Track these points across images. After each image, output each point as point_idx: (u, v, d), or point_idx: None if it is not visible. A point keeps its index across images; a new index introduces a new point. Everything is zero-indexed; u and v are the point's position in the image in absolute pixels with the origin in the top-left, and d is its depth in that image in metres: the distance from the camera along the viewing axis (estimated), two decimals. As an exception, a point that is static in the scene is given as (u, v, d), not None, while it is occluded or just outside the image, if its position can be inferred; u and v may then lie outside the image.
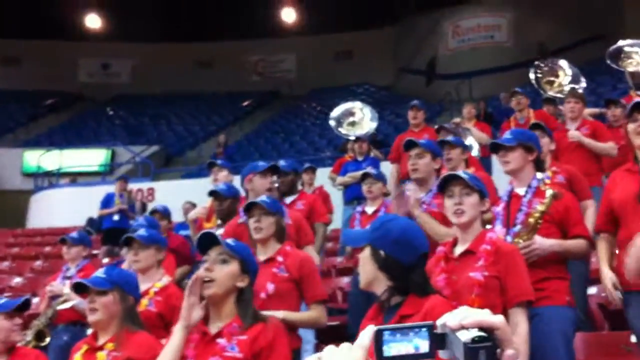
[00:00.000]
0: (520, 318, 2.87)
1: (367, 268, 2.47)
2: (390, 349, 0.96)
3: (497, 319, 0.94)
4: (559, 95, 7.92)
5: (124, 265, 5.23)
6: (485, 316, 0.94)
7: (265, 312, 2.80)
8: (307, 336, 4.22)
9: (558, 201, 3.53)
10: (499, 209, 3.61)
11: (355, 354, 0.96)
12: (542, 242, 3.39)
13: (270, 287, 3.50)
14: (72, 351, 3.08)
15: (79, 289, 3.02)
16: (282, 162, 4.88)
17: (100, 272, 3.08)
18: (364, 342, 0.97)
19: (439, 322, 0.96)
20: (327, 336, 4.57)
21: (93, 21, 26.40)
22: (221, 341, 2.55)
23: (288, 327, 3.16)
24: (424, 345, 0.96)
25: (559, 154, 5.60)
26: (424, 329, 0.96)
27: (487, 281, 2.87)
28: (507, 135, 3.77)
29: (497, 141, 3.73)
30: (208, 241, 2.68)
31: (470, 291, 2.86)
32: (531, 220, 3.43)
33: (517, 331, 2.85)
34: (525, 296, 2.91)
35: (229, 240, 2.74)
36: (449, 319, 0.94)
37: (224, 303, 2.62)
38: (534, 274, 3.36)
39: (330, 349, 0.98)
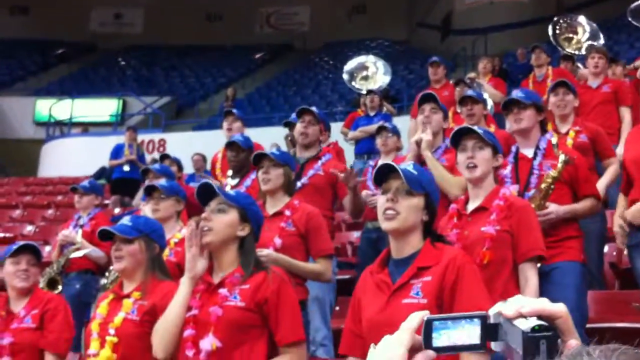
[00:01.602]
0: (530, 273, 2.87)
1: (414, 216, 2.37)
2: (440, 338, 0.92)
3: (559, 307, 0.89)
4: (577, 52, 7.77)
5: (140, 214, 5.26)
6: (546, 304, 0.89)
7: (260, 251, 2.80)
8: (324, 294, 4.23)
9: (576, 165, 3.53)
10: (507, 171, 3.59)
11: (402, 336, 0.94)
12: (557, 210, 3.41)
13: (278, 241, 3.50)
14: (99, 300, 3.10)
15: (104, 236, 3.02)
16: (238, 137, 4.81)
17: (126, 220, 3.08)
18: (412, 324, 0.94)
19: (491, 312, 0.92)
20: (339, 289, 4.59)
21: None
22: (223, 291, 2.55)
23: (293, 278, 3.17)
24: (475, 336, 0.91)
25: (581, 112, 5.52)
26: (476, 319, 0.92)
27: (499, 235, 2.86)
28: (519, 93, 3.75)
29: (514, 97, 3.69)
30: (207, 193, 2.67)
31: (481, 245, 2.86)
32: (543, 185, 3.41)
33: (527, 284, 2.85)
34: (537, 251, 2.90)
35: (229, 190, 2.73)
36: (504, 308, 0.90)
37: (226, 252, 2.62)
38: (552, 232, 3.41)
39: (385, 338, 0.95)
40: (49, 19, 25.33)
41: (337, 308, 4.71)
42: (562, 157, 3.45)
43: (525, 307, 0.88)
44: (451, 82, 7.98)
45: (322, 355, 4.18)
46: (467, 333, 0.91)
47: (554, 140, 3.62)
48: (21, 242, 3.62)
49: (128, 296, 2.94)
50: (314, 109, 4.58)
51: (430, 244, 2.37)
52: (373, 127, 7.49)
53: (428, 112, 4.06)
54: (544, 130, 3.69)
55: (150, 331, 2.69)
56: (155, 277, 2.97)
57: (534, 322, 0.86)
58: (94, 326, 2.92)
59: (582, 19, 8.06)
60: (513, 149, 3.68)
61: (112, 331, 2.85)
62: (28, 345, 3.37)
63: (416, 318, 0.95)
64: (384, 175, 2.42)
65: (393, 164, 2.41)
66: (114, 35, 26.49)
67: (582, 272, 3.45)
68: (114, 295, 2.99)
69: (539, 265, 3.00)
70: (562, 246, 3.42)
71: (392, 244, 2.40)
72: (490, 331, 0.91)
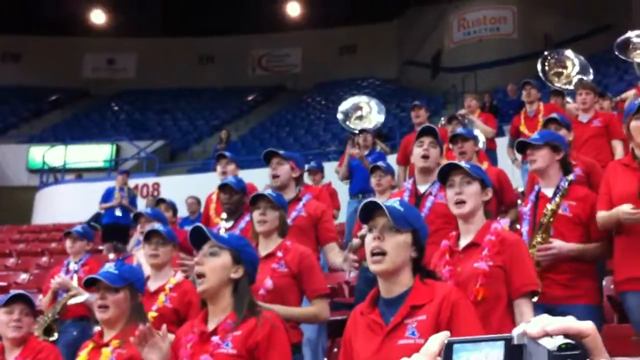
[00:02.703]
0: (525, 308, 2.82)
1: (402, 254, 2.32)
2: None
3: (587, 325, 0.85)
4: (567, 86, 7.82)
5: (134, 261, 5.22)
6: (573, 322, 0.85)
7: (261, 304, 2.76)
8: (311, 334, 4.17)
9: (584, 202, 3.54)
10: (526, 209, 3.61)
11: None
12: (562, 246, 3.41)
13: (269, 282, 3.45)
14: (79, 349, 3.05)
15: (88, 284, 2.98)
16: (231, 179, 4.82)
17: (111, 268, 3.03)
18: (433, 348, 0.91)
19: (515, 332, 0.87)
20: (334, 330, 4.53)
21: (97, 16, 26.39)
22: (215, 338, 2.51)
23: (287, 322, 3.13)
24: (498, 358, 0.87)
25: (573, 147, 5.54)
26: (499, 342, 0.87)
27: (492, 271, 2.82)
28: (535, 135, 3.79)
29: (525, 140, 3.73)
30: (199, 236, 2.65)
31: (475, 281, 2.82)
32: (544, 220, 3.41)
33: (523, 320, 2.81)
34: (531, 286, 2.85)
35: (221, 233, 2.71)
36: (529, 327, 0.86)
37: (220, 297, 2.58)
38: (565, 267, 3.42)
39: None
40: (42, 66, 25.51)
41: (335, 350, 4.65)
42: (556, 199, 3.47)
43: (550, 325, 0.84)
44: (442, 121, 8.02)
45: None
46: (490, 356, 0.87)
47: (570, 177, 3.63)
48: (14, 292, 3.59)
49: (107, 345, 2.90)
50: (278, 150, 4.54)
51: (420, 280, 2.34)
52: (353, 152, 7.52)
53: (427, 145, 4.03)
54: (566, 170, 3.69)
55: None
56: (136, 324, 2.93)
57: (560, 340, 0.83)
58: None
59: (569, 52, 8.12)
60: (535, 187, 3.70)
61: None
62: None
63: (437, 341, 0.91)
64: (370, 212, 2.37)
65: (377, 200, 2.36)
66: (106, 81, 26.67)
67: (599, 318, 3.46)
68: (94, 344, 2.95)
69: (535, 299, 2.97)
70: (577, 287, 3.43)
71: (380, 284, 2.36)
72: (515, 353, 0.87)
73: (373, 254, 2.31)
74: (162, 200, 6.89)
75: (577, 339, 0.83)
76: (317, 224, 4.32)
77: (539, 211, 3.56)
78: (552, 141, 3.68)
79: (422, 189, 4.01)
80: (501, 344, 0.87)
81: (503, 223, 2.99)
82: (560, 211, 3.51)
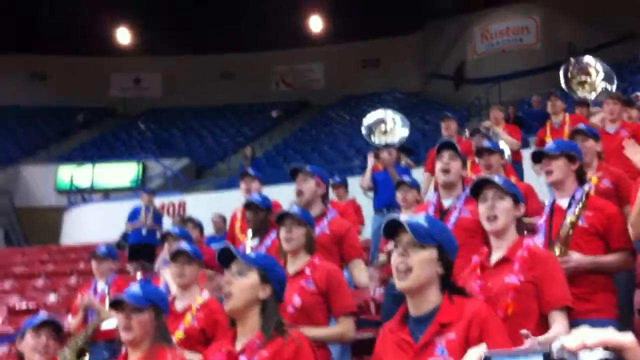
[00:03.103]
0: (559, 317, 2.78)
1: (428, 271, 2.28)
2: None
3: (627, 338, 0.84)
4: (592, 94, 7.68)
5: (161, 280, 5.23)
6: (612, 335, 0.84)
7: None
8: (335, 353, 4.14)
9: (601, 212, 3.47)
10: (542, 221, 3.55)
11: None
12: (579, 259, 3.36)
13: (297, 300, 3.45)
14: None
15: (113, 304, 2.99)
16: (256, 197, 4.81)
17: (136, 288, 3.01)
18: None
19: (554, 347, 0.87)
20: (360, 349, 4.50)
21: (124, 36, 26.72)
22: (242, 358, 2.51)
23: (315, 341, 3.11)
24: None
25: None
26: (537, 355, 0.87)
27: (523, 286, 2.79)
28: (550, 144, 3.72)
29: (541, 150, 3.66)
30: (227, 256, 2.66)
31: (505, 296, 2.79)
32: (562, 231, 3.36)
33: (552, 327, 2.75)
34: (563, 301, 2.81)
35: (247, 251, 2.72)
36: (567, 340, 0.85)
37: (248, 317, 2.59)
38: (580, 283, 3.35)
39: None
40: (68, 86, 25.86)
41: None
42: (577, 208, 3.42)
43: (590, 338, 0.83)
44: (465, 134, 7.98)
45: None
46: None
47: (586, 187, 3.56)
48: (44, 315, 3.59)
49: None
50: (304, 166, 4.52)
51: (448, 297, 2.31)
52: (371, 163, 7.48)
53: (447, 159, 3.99)
54: (581, 180, 3.63)
55: None
56: (160, 345, 2.93)
57: (599, 354, 0.82)
58: None
59: (590, 59, 7.93)
60: (550, 199, 3.64)
61: None
62: None
63: (474, 355, 0.92)
64: (394, 229, 2.35)
65: (398, 217, 2.34)
66: (133, 100, 26.96)
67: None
68: None
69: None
70: (594, 301, 3.36)
71: (409, 301, 2.33)
72: None
73: (398, 271, 2.29)
74: (189, 219, 6.92)
75: (616, 351, 0.82)
76: (341, 241, 4.29)
77: (555, 223, 3.49)
78: (569, 151, 3.62)
79: (446, 203, 3.98)
80: (539, 357, 0.87)
81: (537, 240, 2.96)
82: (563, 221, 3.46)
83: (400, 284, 2.28)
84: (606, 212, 3.52)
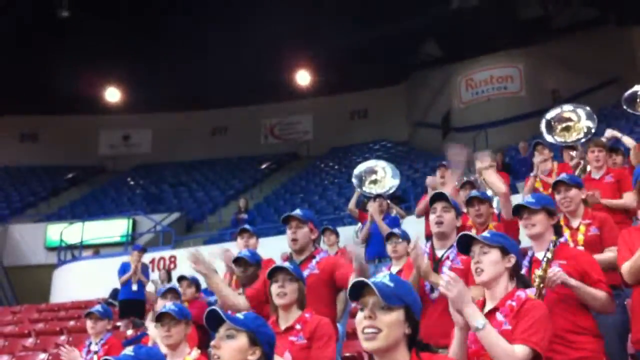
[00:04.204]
0: (517, 349, 2.74)
1: (396, 332, 2.26)
2: None
3: None
4: (579, 138, 7.70)
5: (149, 340, 5.19)
6: None
7: None
8: None
9: (575, 261, 3.54)
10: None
11: None
12: (567, 278, 3.43)
13: (288, 357, 3.44)
14: None
15: None
16: (245, 253, 4.82)
17: (129, 351, 2.97)
18: None
19: None
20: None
21: (112, 94, 26.93)
22: None
23: None
24: None
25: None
26: None
27: (504, 335, 2.78)
28: (529, 199, 3.79)
29: (523, 203, 3.73)
30: (215, 318, 2.64)
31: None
32: (534, 286, 3.40)
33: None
34: (526, 340, 2.77)
35: (237, 314, 2.69)
36: None
37: None
38: (566, 324, 3.39)
39: None
40: (58, 145, 25.94)
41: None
42: (546, 256, 3.51)
43: None
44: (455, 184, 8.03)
45: None
46: None
47: (561, 239, 3.64)
48: None
49: None
50: (297, 212, 4.51)
51: (416, 355, 2.29)
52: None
53: (440, 211, 4.05)
54: (558, 233, 3.71)
55: None
56: None
57: None
58: None
59: (563, 107, 7.93)
60: (529, 253, 3.70)
61: None
62: None
63: None
64: (360, 290, 2.31)
65: (364, 280, 2.30)
66: (122, 157, 27.02)
67: None
68: None
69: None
70: (582, 348, 3.39)
71: None
72: None
73: (365, 333, 2.25)
74: (183, 277, 6.83)
75: None
76: (332, 274, 4.29)
77: (533, 275, 3.55)
78: (548, 205, 3.72)
79: (439, 253, 4.03)
80: None
81: (529, 292, 2.98)
82: (549, 274, 3.50)
83: (367, 344, 2.25)
84: (581, 260, 3.60)
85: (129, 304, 10.02)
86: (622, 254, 3.63)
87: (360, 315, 2.29)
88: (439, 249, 4.05)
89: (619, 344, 4.19)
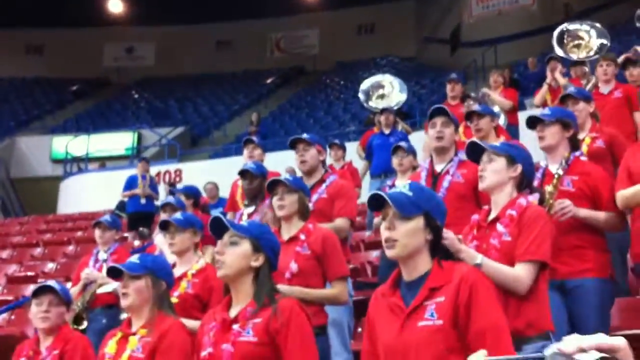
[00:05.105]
0: (521, 270, 2.74)
1: (415, 240, 2.29)
2: None
3: (619, 341, 0.91)
4: (589, 53, 7.59)
5: (155, 248, 5.26)
6: (605, 338, 0.91)
7: (280, 287, 2.78)
8: (341, 317, 4.19)
9: (588, 177, 3.52)
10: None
11: None
12: (577, 210, 3.40)
13: (294, 266, 3.49)
14: (106, 337, 3.10)
15: (113, 273, 3.05)
16: (250, 165, 4.83)
17: (134, 258, 3.10)
18: None
19: (547, 352, 0.93)
20: (359, 310, 4.54)
21: (116, 6, 26.52)
22: (235, 327, 2.53)
23: (311, 305, 3.15)
24: None
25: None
26: None
27: (504, 246, 2.81)
28: (545, 111, 3.75)
29: (536, 115, 3.68)
30: (220, 226, 2.66)
31: (491, 258, 2.81)
32: (546, 196, 3.40)
33: (516, 286, 2.72)
34: (529, 255, 2.76)
35: (241, 222, 2.72)
36: (563, 345, 0.91)
37: (241, 285, 2.59)
38: (574, 240, 3.40)
39: None
40: (64, 57, 25.76)
41: (360, 330, 4.66)
42: (558, 172, 3.47)
43: (585, 341, 0.90)
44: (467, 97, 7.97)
45: (345, 379, 4.13)
46: None
47: (577, 153, 3.60)
48: (42, 283, 3.64)
49: (135, 334, 2.95)
50: (304, 135, 4.54)
51: (438, 263, 2.32)
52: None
53: (440, 125, 4.04)
54: (574, 147, 3.66)
55: None
56: (162, 313, 2.98)
57: (596, 354, 0.88)
58: None
59: (577, 25, 7.76)
60: (542, 164, 3.68)
61: None
62: None
63: None
64: (380, 201, 2.34)
65: (380, 192, 2.33)
66: (126, 70, 26.82)
67: (608, 290, 3.45)
68: (122, 333, 3.00)
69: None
70: (588, 260, 3.41)
71: (401, 266, 2.35)
72: None
73: (386, 242, 2.31)
74: (180, 190, 6.83)
75: (609, 353, 0.89)
76: (335, 200, 4.35)
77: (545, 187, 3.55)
78: (564, 118, 3.65)
79: (439, 168, 4.05)
80: None
81: (531, 198, 2.98)
82: (563, 187, 3.49)
83: (389, 252, 2.31)
84: (594, 176, 3.55)
85: (137, 217, 10.13)
86: (620, 176, 3.61)
87: (382, 226, 2.33)
88: (438, 163, 4.07)
89: (619, 256, 4.24)
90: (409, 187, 2.37)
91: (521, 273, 2.74)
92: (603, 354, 0.88)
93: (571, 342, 0.91)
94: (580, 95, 4.58)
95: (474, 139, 3.27)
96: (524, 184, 3.00)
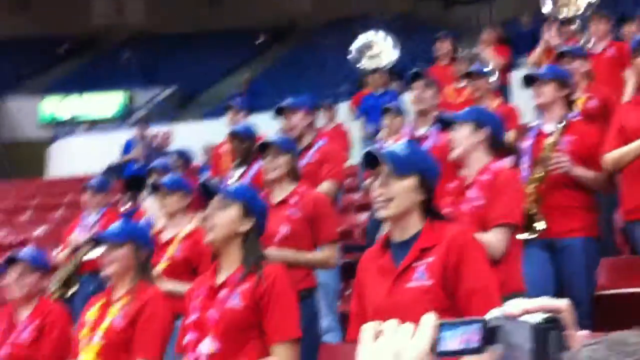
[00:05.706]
0: (495, 235, 2.74)
1: (408, 199, 2.28)
2: (444, 343, 0.96)
3: (562, 302, 0.94)
4: (577, 13, 7.47)
5: (145, 211, 5.22)
6: (549, 300, 0.94)
7: (270, 250, 2.78)
8: (328, 279, 4.19)
9: (583, 138, 3.52)
10: (526, 145, 3.57)
11: (420, 344, 0.94)
12: (572, 166, 3.44)
13: (284, 229, 3.49)
14: (90, 301, 3.09)
15: (97, 240, 3.05)
16: (239, 128, 4.82)
17: (116, 225, 3.10)
18: (429, 333, 0.95)
19: (488, 316, 0.96)
20: (348, 273, 4.53)
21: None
22: (222, 292, 2.50)
23: (299, 269, 3.17)
24: (474, 340, 0.95)
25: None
26: (476, 324, 0.95)
27: (475, 211, 2.80)
28: (542, 69, 3.79)
29: (532, 73, 3.66)
30: (209, 191, 2.63)
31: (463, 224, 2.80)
32: (542, 154, 3.39)
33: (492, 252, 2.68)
34: (500, 219, 2.78)
35: (230, 186, 2.70)
36: (508, 308, 0.95)
37: (229, 250, 2.58)
38: (565, 199, 3.45)
39: (392, 326, 0.96)
40: (51, 15, 25.34)
41: (348, 292, 4.66)
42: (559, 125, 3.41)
43: (529, 304, 0.93)
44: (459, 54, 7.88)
45: (330, 341, 4.15)
46: (467, 337, 0.95)
47: (571, 114, 3.57)
48: (20, 251, 3.61)
49: (116, 301, 2.95)
50: (286, 102, 4.56)
51: (430, 223, 2.30)
52: None
53: (419, 89, 4.12)
54: (570, 107, 3.65)
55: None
56: (145, 281, 2.97)
57: (542, 315, 0.91)
58: (84, 332, 2.93)
59: None
60: (535, 124, 3.68)
61: (99, 335, 2.85)
62: (24, 357, 3.35)
63: (431, 324, 0.96)
64: (374, 158, 2.32)
65: (374, 150, 2.33)
66: (115, 27, 26.47)
67: (594, 249, 3.51)
68: (104, 300, 2.99)
69: (526, 235, 2.93)
70: (576, 219, 3.44)
71: (391, 227, 2.34)
72: (489, 335, 0.95)
73: (378, 201, 2.28)
74: (173, 153, 6.80)
75: (554, 314, 0.92)
76: (322, 164, 4.37)
77: (539, 147, 3.54)
78: (560, 76, 3.61)
79: (421, 131, 4.08)
80: (477, 325, 0.95)
81: (504, 162, 2.97)
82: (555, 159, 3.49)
83: (381, 212, 2.30)
84: (588, 139, 3.57)
85: (134, 181, 10.04)
86: (609, 137, 3.58)
87: (375, 183, 2.32)
88: (419, 127, 4.14)
89: (607, 216, 4.25)
90: (406, 145, 2.35)
91: (495, 239, 2.72)
92: (547, 315, 0.91)
93: (516, 305, 0.93)
94: (576, 53, 4.55)
95: (441, 113, 3.29)
96: (496, 145, 2.98)
